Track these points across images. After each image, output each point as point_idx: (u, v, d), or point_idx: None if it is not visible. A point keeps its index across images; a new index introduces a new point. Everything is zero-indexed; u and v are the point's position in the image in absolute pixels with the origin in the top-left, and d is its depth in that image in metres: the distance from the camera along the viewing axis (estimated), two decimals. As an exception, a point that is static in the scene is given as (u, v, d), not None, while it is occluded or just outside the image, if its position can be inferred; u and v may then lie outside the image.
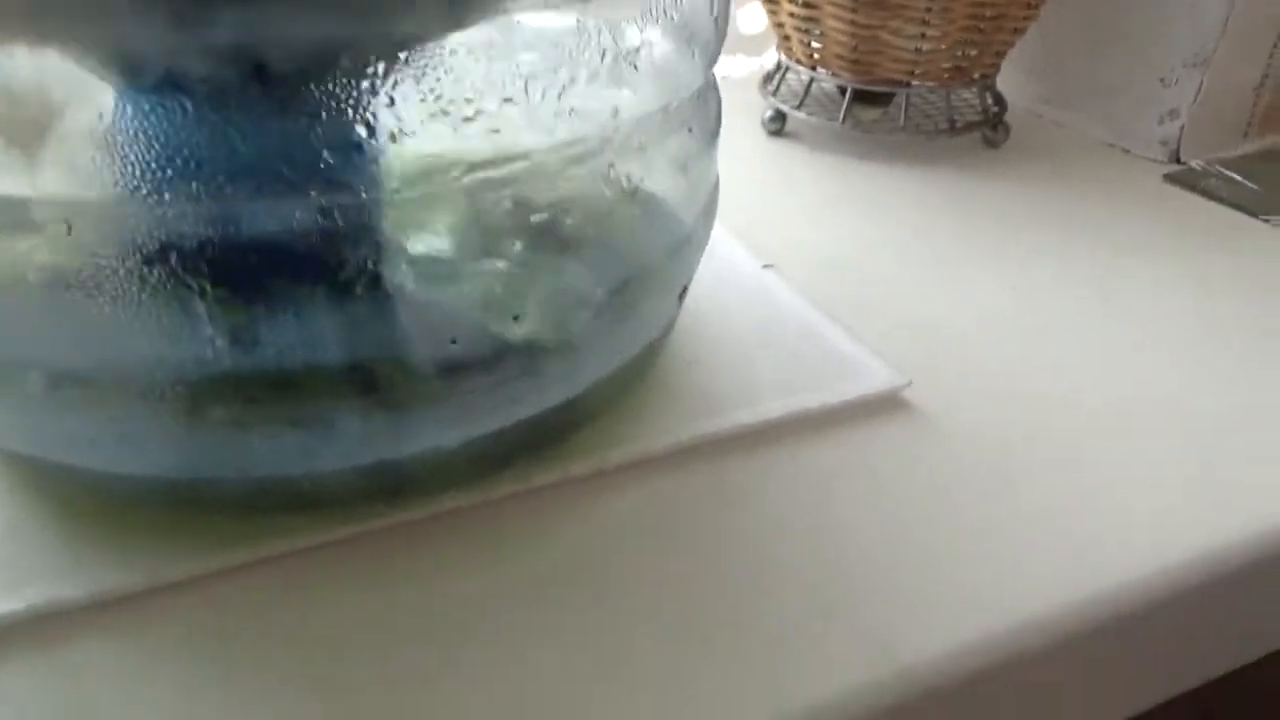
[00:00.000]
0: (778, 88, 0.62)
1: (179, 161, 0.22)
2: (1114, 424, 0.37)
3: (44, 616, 0.27)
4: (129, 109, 0.22)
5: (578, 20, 0.24)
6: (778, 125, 0.62)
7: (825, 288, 0.44)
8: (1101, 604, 0.30)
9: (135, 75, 0.23)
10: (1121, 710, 0.34)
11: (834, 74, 0.59)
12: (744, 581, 0.30)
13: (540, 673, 0.27)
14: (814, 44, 0.58)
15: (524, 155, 0.24)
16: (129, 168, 0.22)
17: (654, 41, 0.27)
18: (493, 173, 0.24)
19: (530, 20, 0.24)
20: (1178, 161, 0.57)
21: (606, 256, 0.29)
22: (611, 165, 0.27)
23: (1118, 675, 0.33)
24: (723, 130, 0.62)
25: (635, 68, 0.26)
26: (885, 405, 0.37)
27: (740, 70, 0.74)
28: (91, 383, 0.25)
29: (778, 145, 0.61)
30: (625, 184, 0.28)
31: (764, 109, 0.62)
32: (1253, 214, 0.52)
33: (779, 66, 0.63)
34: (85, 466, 0.27)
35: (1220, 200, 0.53)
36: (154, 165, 0.22)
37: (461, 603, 0.29)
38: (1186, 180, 0.55)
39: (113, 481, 0.28)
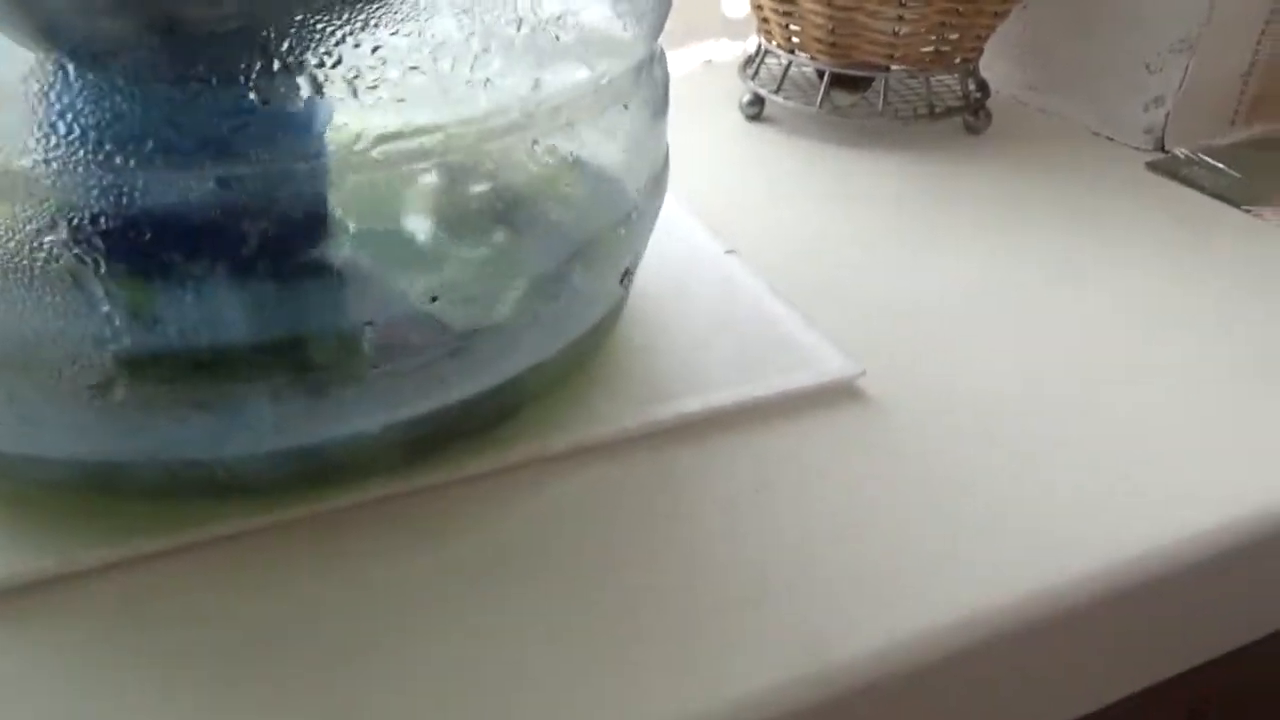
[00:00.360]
0: (756, 71, 0.61)
1: (68, 127, 0.21)
2: (1074, 417, 0.36)
3: (-50, 601, 0.27)
4: (18, 70, 0.21)
5: (488, -14, 0.23)
6: (756, 110, 0.61)
7: (790, 274, 0.43)
8: (1047, 600, 0.29)
9: (51, 37, 0.22)
10: (1069, 709, 0.33)
11: (812, 58, 0.58)
12: (681, 572, 0.30)
13: (471, 661, 0.26)
14: (792, 27, 0.57)
15: (436, 128, 0.23)
16: (19, 133, 0.21)
17: (579, 11, 0.26)
18: (402, 145, 0.23)
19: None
20: (1162, 149, 0.56)
21: (536, 235, 0.28)
22: (536, 141, 0.26)
23: (1064, 672, 0.32)
24: (701, 115, 0.62)
25: (558, 39, 0.25)
26: (838, 394, 0.37)
27: (725, 54, 0.73)
28: (-12, 360, 0.24)
29: (755, 130, 0.60)
30: (552, 161, 0.27)
31: (743, 93, 0.61)
32: (1234, 204, 0.50)
33: (759, 50, 0.62)
34: (-10, 447, 0.27)
35: (1201, 189, 0.52)
36: (46, 131, 0.21)
37: (389, 593, 0.28)
38: (1169, 169, 0.54)
39: (19, 463, 0.27)
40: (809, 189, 0.53)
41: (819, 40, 0.56)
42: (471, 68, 0.23)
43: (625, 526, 0.31)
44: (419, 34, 0.22)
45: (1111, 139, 0.58)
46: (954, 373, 0.38)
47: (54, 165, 0.21)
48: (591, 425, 0.33)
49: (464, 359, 0.27)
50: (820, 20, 0.55)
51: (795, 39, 0.58)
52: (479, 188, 0.26)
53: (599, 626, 0.27)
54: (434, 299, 0.26)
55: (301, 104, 0.21)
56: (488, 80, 0.24)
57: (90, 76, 0.20)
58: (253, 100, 0.21)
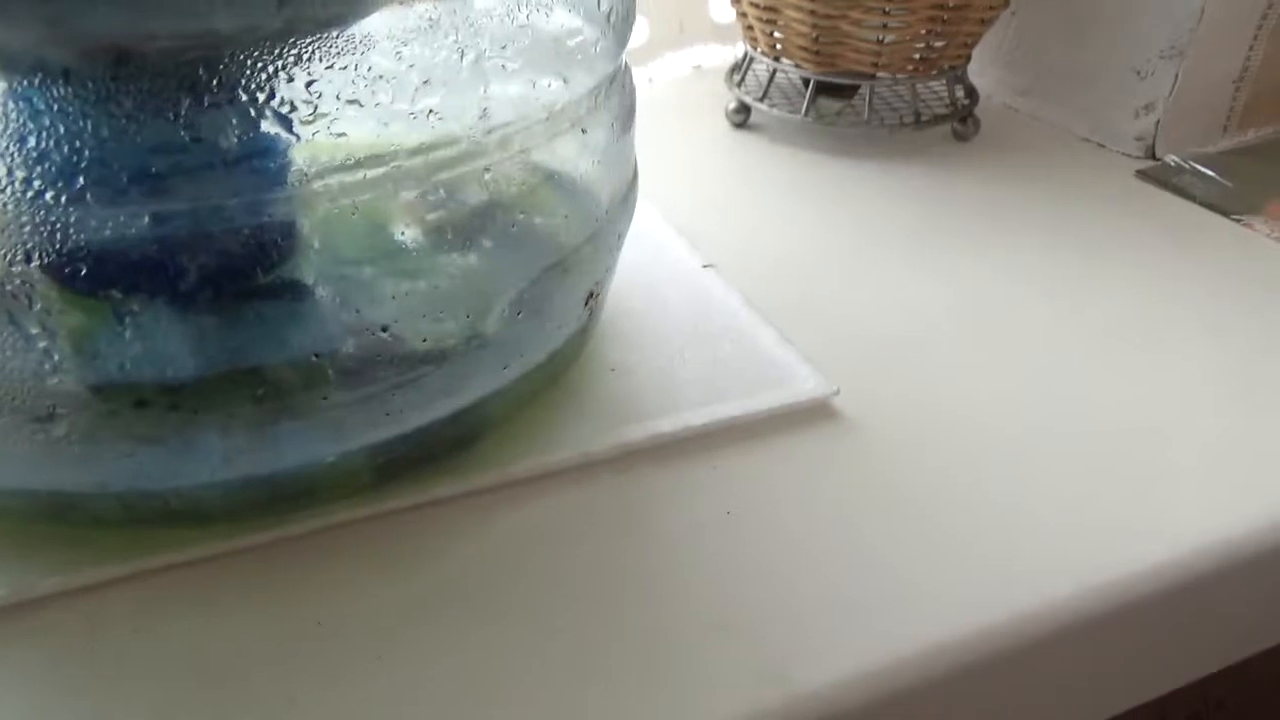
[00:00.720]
0: (743, 79, 0.61)
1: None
2: (1057, 435, 0.35)
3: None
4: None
5: (429, 19, 0.23)
6: (741, 117, 0.60)
7: (768, 289, 0.42)
8: (1022, 627, 0.29)
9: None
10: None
11: (797, 65, 0.57)
12: (647, 597, 0.29)
13: (433, 690, 0.26)
14: (776, 35, 0.57)
15: (379, 160, 0.23)
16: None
17: (530, 41, 0.26)
18: (345, 177, 0.23)
19: (380, 19, 0.22)
20: (1153, 157, 0.55)
21: (493, 261, 0.28)
22: (488, 169, 0.26)
23: (1037, 701, 0.31)
24: (688, 121, 0.61)
25: (505, 68, 0.25)
26: (811, 414, 0.36)
27: (714, 60, 0.72)
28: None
29: (741, 138, 0.59)
30: (509, 187, 0.26)
31: (729, 100, 0.61)
32: (1224, 213, 0.50)
33: (745, 57, 0.61)
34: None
35: (1192, 198, 0.51)
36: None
37: (347, 620, 0.28)
38: (1159, 177, 0.53)
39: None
40: (792, 199, 0.53)
41: (803, 48, 0.56)
42: (413, 100, 0.23)
43: (591, 551, 0.31)
44: (355, 67, 0.22)
45: (1102, 146, 0.57)
46: (932, 390, 0.38)
47: (-13, 202, 0.21)
48: (559, 448, 0.33)
49: (417, 388, 0.27)
50: (804, 28, 0.54)
51: (779, 46, 0.57)
52: (432, 216, 0.26)
53: (561, 655, 0.27)
54: (384, 329, 0.25)
55: (235, 139, 0.21)
56: (431, 111, 0.23)
57: (15, 115, 0.20)
58: (184, 136, 0.21)
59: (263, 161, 0.22)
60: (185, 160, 0.21)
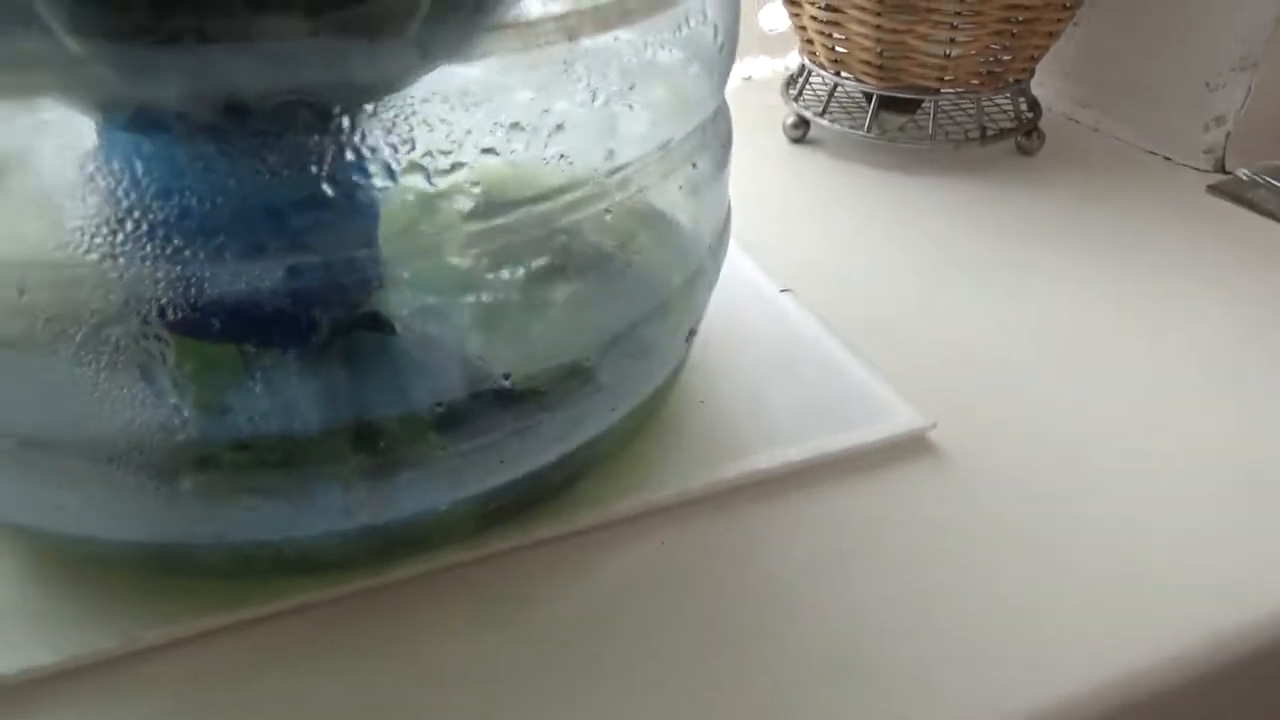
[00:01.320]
0: (800, 92, 0.60)
1: (134, 222, 0.20)
2: (1157, 469, 0.35)
3: (11, 683, 0.26)
4: (83, 164, 0.21)
5: (564, 63, 0.22)
6: (800, 132, 0.59)
7: (845, 313, 0.42)
8: (1146, 682, 0.28)
9: (107, 111, 0.21)
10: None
11: (858, 79, 0.56)
12: (752, 639, 0.29)
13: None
14: (838, 48, 0.56)
15: (510, 207, 0.23)
16: (87, 228, 0.21)
17: (652, 79, 0.25)
18: (476, 226, 0.22)
19: (516, 65, 0.22)
20: (1223, 171, 0.54)
21: (606, 302, 0.27)
22: (609, 211, 0.25)
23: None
24: (744, 135, 0.60)
25: (631, 108, 0.24)
26: (908, 448, 0.35)
27: (763, 70, 0.72)
28: (52, 447, 0.23)
29: (800, 153, 0.59)
30: (624, 227, 0.26)
31: (786, 114, 0.60)
32: (1303, 229, 0.49)
33: (802, 70, 0.60)
34: (54, 530, 0.26)
35: (1268, 214, 0.50)
36: (114, 227, 0.20)
37: (455, 665, 0.28)
38: (1232, 191, 0.52)
39: (83, 545, 0.26)
40: (859, 218, 0.52)
41: (866, 62, 0.55)
42: (545, 145, 0.23)
43: (690, 592, 0.30)
44: (492, 115, 0.21)
45: (1169, 159, 0.57)
46: (1023, 417, 0.37)
47: (122, 260, 0.20)
48: (658, 486, 0.33)
49: (533, 435, 0.26)
50: (868, 42, 0.54)
51: (840, 59, 0.57)
52: (554, 261, 0.25)
53: (672, 704, 0.27)
54: (506, 376, 0.25)
55: (375, 190, 0.21)
56: (561, 155, 0.23)
57: (157, 173, 0.20)
58: (325, 189, 0.20)
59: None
60: (324, 214, 0.20)
